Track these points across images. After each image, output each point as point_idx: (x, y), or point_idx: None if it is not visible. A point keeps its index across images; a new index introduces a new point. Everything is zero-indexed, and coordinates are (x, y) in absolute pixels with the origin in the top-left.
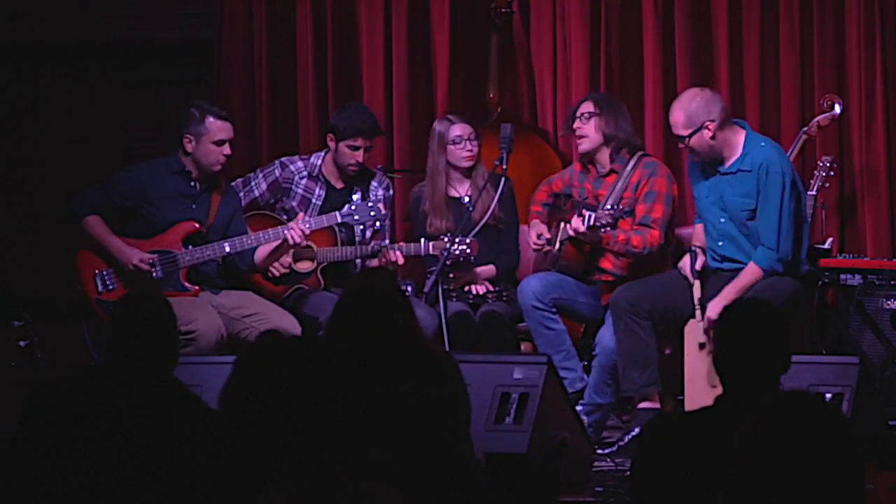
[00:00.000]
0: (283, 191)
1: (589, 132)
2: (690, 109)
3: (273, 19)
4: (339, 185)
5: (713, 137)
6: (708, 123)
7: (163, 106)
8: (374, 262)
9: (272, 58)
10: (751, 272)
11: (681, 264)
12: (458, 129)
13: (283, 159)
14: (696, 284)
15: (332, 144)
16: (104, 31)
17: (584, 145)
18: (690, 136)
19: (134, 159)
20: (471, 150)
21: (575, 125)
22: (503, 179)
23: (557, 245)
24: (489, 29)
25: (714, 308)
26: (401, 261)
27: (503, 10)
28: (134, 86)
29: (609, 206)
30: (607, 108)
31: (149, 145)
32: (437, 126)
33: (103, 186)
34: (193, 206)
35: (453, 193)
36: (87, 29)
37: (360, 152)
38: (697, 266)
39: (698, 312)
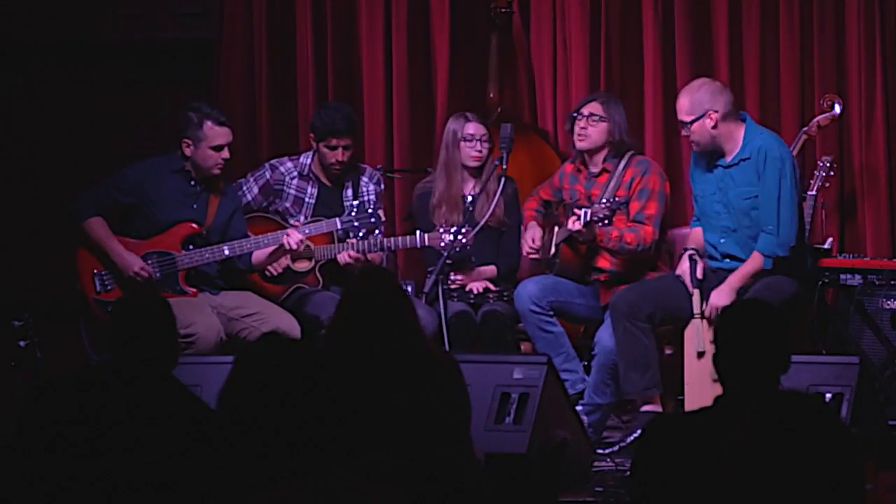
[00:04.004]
0: (275, 192)
1: (594, 133)
2: (695, 96)
3: (273, 19)
4: (331, 183)
5: (715, 127)
6: (711, 112)
7: (163, 106)
8: (373, 257)
9: (272, 58)
10: (753, 259)
11: (679, 271)
12: (472, 128)
13: (273, 161)
14: (696, 294)
15: (314, 145)
16: (104, 31)
17: (585, 143)
18: (692, 122)
19: (134, 159)
20: (479, 151)
21: (581, 123)
22: (508, 181)
23: (553, 249)
24: (489, 29)
25: (719, 296)
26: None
27: (503, 10)
28: (134, 86)
29: (605, 200)
30: (614, 111)
31: (149, 145)
32: (452, 123)
33: (105, 185)
34: (194, 206)
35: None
36: (87, 29)
37: (339, 151)
38: (698, 274)
39: (697, 321)
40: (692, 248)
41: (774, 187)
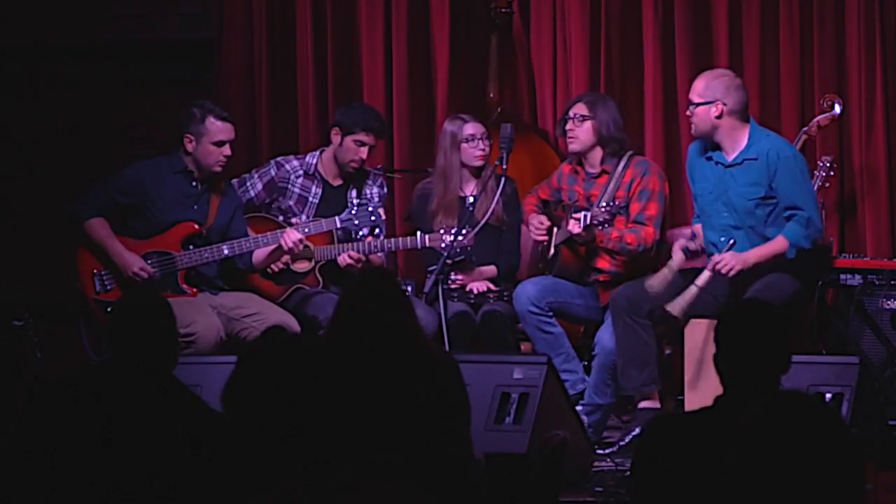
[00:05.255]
0: (279, 190)
1: (581, 134)
2: (712, 82)
3: (273, 19)
4: (336, 183)
5: (719, 118)
6: (719, 102)
7: (163, 106)
8: (374, 258)
9: (272, 58)
10: (777, 243)
11: (675, 257)
12: (472, 128)
13: (279, 159)
14: (681, 258)
15: (336, 139)
16: (104, 31)
17: (575, 146)
18: (699, 105)
19: (134, 159)
20: (483, 150)
21: (567, 126)
22: (507, 180)
23: (552, 250)
24: (489, 29)
25: (735, 258)
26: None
27: (503, 10)
28: (134, 86)
29: (604, 203)
30: (601, 109)
31: (149, 145)
32: (449, 126)
33: (106, 185)
34: (195, 207)
35: (460, 193)
36: (87, 29)
37: (366, 149)
38: (691, 246)
39: (668, 270)
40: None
41: (796, 184)
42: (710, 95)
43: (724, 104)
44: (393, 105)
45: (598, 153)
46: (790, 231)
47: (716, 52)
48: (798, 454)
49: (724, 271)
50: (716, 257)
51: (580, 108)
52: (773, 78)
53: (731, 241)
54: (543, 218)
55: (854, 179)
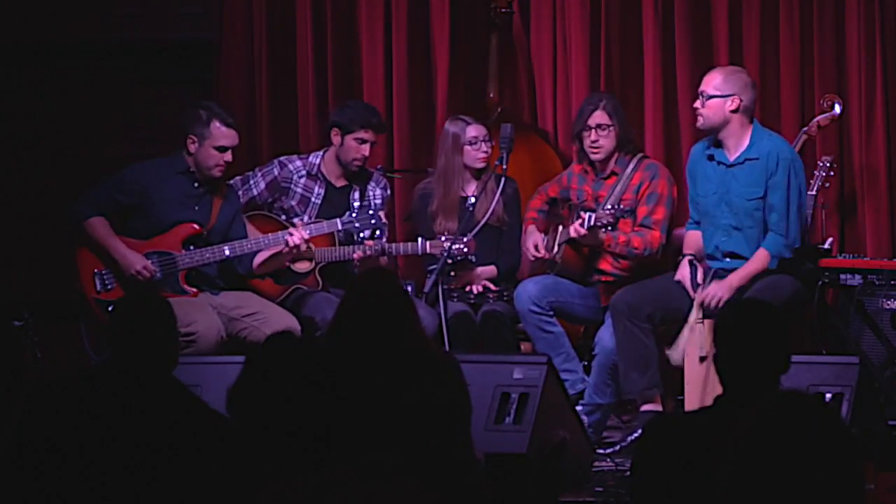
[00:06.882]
0: (281, 190)
1: (607, 143)
2: (731, 77)
3: (273, 19)
4: (339, 184)
5: (734, 112)
6: (736, 97)
7: (163, 106)
8: (358, 254)
9: (272, 58)
10: (760, 258)
11: (679, 276)
12: (474, 131)
13: (282, 158)
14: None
15: (336, 140)
16: (104, 31)
17: (600, 155)
18: (715, 97)
19: (134, 159)
20: (486, 152)
21: (592, 136)
22: (508, 181)
23: (556, 248)
24: (489, 29)
25: (719, 287)
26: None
27: (503, 10)
28: (134, 86)
29: (609, 206)
30: (619, 114)
31: (149, 145)
32: (451, 127)
33: (107, 185)
34: (196, 208)
35: (461, 193)
36: (87, 29)
37: (367, 146)
38: (699, 279)
39: (699, 326)
40: (690, 254)
41: (784, 190)
42: (728, 89)
43: (741, 100)
44: (393, 105)
45: (614, 157)
46: (770, 243)
47: (716, 52)
48: (798, 454)
49: (712, 305)
50: (699, 296)
51: (601, 118)
52: (773, 78)
53: (712, 271)
54: (539, 240)
55: (854, 179)
